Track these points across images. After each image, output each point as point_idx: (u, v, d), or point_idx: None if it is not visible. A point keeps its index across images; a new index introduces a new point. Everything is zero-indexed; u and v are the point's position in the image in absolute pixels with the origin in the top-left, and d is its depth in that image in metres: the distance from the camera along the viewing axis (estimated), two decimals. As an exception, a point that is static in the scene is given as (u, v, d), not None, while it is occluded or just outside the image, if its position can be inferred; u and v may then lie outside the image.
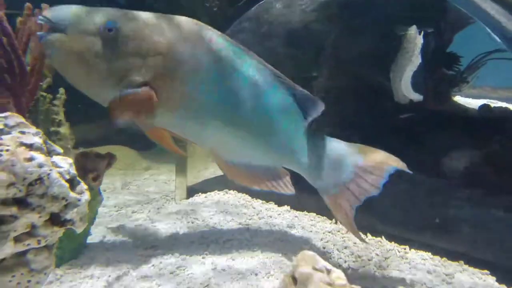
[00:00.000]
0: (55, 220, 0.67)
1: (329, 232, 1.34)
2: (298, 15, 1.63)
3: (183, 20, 0.97)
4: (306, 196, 1.61)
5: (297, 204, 1.56)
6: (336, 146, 1.10)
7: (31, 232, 0.65)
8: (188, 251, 1.15)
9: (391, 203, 1.61)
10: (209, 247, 1.19)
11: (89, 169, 1.00)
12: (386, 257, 1.19)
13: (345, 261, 1.16)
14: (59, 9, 0.87)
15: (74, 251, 1.08)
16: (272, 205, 1.59)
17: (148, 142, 2.89)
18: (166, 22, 0.94)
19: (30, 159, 0.63)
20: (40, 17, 0.86)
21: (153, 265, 1.05)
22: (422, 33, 2.12)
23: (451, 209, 1.56)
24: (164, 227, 1.36)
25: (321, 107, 1.07)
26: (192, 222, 1.40)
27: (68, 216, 0.67)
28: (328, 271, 0.54)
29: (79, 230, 0.71)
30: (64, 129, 1.24)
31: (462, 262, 1.18)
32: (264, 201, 1.62)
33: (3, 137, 0.64)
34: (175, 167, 1.83)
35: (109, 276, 0.99)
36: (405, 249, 1.25)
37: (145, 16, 0.93)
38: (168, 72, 0.92)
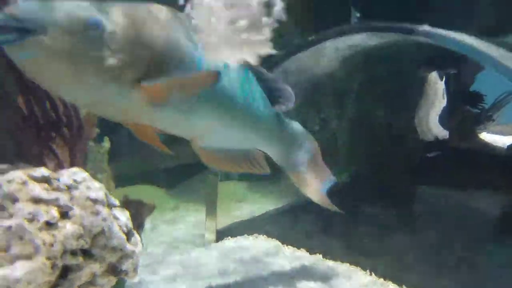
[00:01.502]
0: (111, 269, 0.76)
1: (365, 286, 1.37)
2: (324, 66, 1.77)
3: (160, 9, 0.96)
4: (338, 245, 1.67)
5: (329, 252, 1.60)
6: (296, 128, 1.27)
7: (92, 280, 0.75)
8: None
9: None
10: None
11: (132, 216, 1.10)
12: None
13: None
14: (27, 6, 0.75)
15: (114, 295, 1.17)
16: (303, 253, 1.64)
17: (173, 180, 3.01)
18: (145, 13, 0.92)
19: (96, 213, 0.73)
20: (1, 15, 0.73)
21: (189, 313, 1.13)
22: (444, 77, 2.23)
23: (481, 252, 1.56)
24: (198, 272, 1.43)
25: (291, 96, 1.20)
26: (225, 269, 1.47)
27: (124, 267, 0.77)
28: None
29: (131, 279, 0.80)
30: (107, 176, 1.36)
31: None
32: (295, 248, 1.67)
33: (73, 192, 0.76)
34: (205, 208, 1.92)
35: (147, 322, 1.07)
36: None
37: (124, 8, 0.89)
38: (157, 65, 0.90)
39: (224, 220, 1.93)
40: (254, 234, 1.79)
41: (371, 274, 1.45)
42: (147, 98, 0.87)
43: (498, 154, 2.31)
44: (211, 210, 1.90)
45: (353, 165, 2.28)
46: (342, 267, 1.51)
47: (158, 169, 2.91)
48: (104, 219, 0.74)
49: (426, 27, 1.18)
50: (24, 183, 0.74)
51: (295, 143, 1.27)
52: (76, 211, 0.72)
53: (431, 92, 2.23)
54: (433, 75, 2.24)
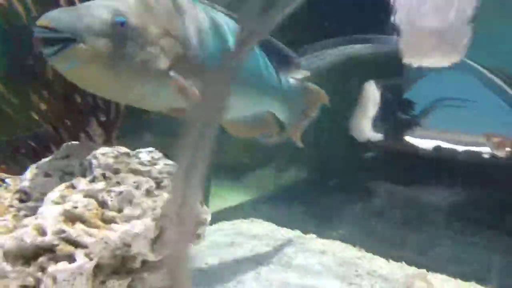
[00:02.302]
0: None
1: (358, 258, 1.62)
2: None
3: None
4: (329, 226, 1.92)
5: (322, 232, 1.84)
6: (297, 87, 1.44)
7: (173, 241, 0.90)
8: (240, 270, 1.40)
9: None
10: (259, 265, 1.45)
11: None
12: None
13: (376, 282, 1.44)
14: (61, 16, 0.80)
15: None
16: (298, 233, 1.86)
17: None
18: (163, 4, 0.97)
19: (182, 184, 0.88)
20: (38, 29, 0.78)
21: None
22: (380, 86, 2.62)
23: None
24: (203, 248, 1.59)
25: (296, 60, 1.38)
26: (231, 246, 1.64)
27: (199, 231, 0.93)
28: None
29: (198, 244, 0.96)
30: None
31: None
32: (290, 229, 1.89)
33: (156, 167, 0.90)
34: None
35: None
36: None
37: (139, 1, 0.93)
38: (181, 51, 0.96)
39: (218, 206, 2.08)
40: (250, 218, 1.98)
41: (359, 250, 1.71)
42: (177, 87, 0.95)
43: (426, 154, 2.76)
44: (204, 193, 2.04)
45: (313, 163, 2.59)
46: (335, 244, 1.75)
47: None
48: (188, 190, 0.89)
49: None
50: (116, 156, 0.87)
51: (295, 101, 1.45)
52: (166, 182, 0.87)
53: (365, 100, 2.60)
54: (369, 85, 2.60)
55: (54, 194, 0.76)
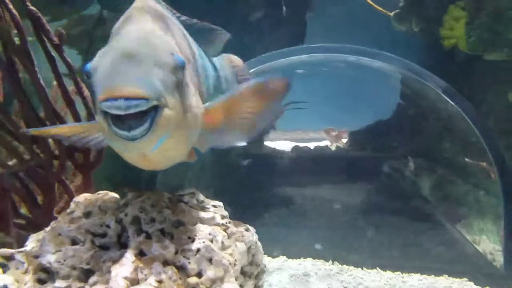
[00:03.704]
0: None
1: (338, 273, 1.61)
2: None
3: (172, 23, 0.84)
4: (301, 246, 1.87)
5: (292, 254, 1.78)
6: (223, 65, 1.26)
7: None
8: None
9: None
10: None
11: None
12: (392, 284, 1.54)
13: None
14: (141, 78, 0.58)
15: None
16: (266, 257, 1.77)
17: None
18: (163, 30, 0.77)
19: (247, 229, 0.74)
20: (119, 103, 0.55)
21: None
22: None
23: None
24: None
25: (224, 35, 1.14)
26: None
27: (260, 283, 0.78)
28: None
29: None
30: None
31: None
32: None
33: (212, 211, 0.73)
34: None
35: None
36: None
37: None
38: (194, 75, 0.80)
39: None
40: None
41: (333, 263, 1.71)
42: (208, 123, 0.75)
43: (286, 155, 3.03)
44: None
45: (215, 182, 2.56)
46: (309, 262, 1.72)
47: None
48: (252, 235, 0.75)
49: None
50: (169, 206, 0.68)
51: (230, 79, 1.26)
52: (233, 228, 0.71)
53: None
54: None
55: (125, 268, 0.54)
